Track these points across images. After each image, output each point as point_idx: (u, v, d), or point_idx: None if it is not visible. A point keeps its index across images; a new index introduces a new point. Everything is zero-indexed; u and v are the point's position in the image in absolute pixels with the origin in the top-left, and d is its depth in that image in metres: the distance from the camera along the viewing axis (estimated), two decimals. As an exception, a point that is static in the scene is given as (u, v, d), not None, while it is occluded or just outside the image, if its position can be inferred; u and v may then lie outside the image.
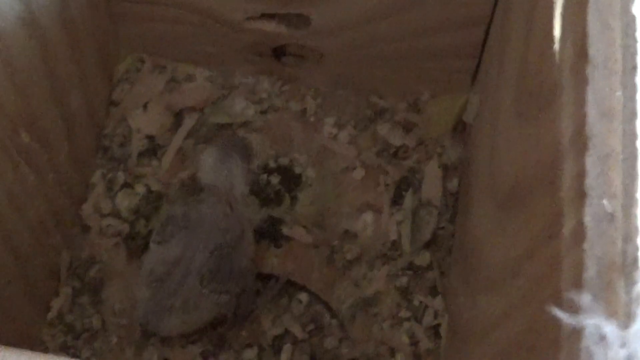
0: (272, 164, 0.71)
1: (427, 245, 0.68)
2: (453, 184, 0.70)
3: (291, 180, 0.70)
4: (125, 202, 0.69)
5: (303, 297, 0.67)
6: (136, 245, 0.68)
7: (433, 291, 0.67)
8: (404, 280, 0.67)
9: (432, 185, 0.69)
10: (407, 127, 0.72)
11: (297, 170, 0.71)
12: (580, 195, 0.27)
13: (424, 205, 0.69)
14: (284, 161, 0.71)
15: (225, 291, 0.61)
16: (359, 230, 0.69)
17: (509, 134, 0.46)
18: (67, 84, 0.63)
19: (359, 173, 0.71)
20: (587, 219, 0.27)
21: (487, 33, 0.63)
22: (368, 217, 0.69)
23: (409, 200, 0.69)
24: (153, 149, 0.71)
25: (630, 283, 0.25)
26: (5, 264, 0.57)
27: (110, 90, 0.73)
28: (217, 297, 0.61)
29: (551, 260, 0.30)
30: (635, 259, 0.26)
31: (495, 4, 0.60)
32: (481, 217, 0.53)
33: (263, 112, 0.73)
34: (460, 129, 0.71)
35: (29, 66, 0.56)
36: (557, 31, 0.34)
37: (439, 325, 0.65)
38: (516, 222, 0.40)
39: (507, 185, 0.44)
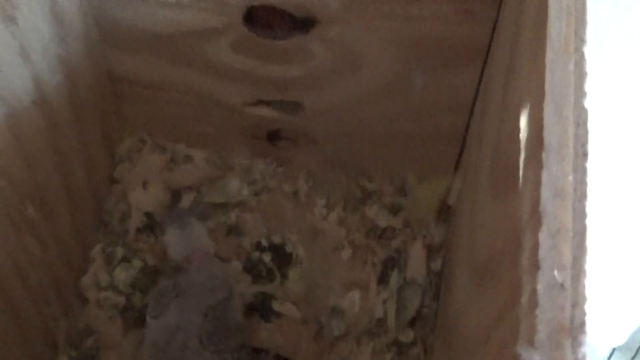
0: (264, 243, 0.72)
1: (412, 322, 0.68)
2: (437, 264, 0.70)
3: (282, 258, 0.71)
4: (122, 275, 0.70)
5: (291, 371, 0.67)
6: (132, 317, 0.69)
7: (417, 367, 0.67)
8: (388, 356, 0.67)
9: (416, 265, 0.70)
10: (394, 210, 0.73)
11: (289, 248, 0.72)
12: (535, 266, 0.30)
13: (409, 284, 0.70)
14: (276, 240, 0.72)
15: (225, 349, 0.62)
16: (347, 307, 0.69)
17: (484, 212, 0.48)
18: (72, 161, 0.64)
19: (347, 252, 0.72)
20: (540, 288, 0.29)
21: (469, 119, 0.65)
22: (355, 294, 0.70)
23: (394, 279, 0.70)
24: (151, 226, 0.73)
25: (577, 344, 0.28)
26: (7, 329, 0.58)
27: (112, 168, 0.74)
28: (219, 356, 0.62)
29: (513, 326, 0.33)
30: (582, 324, 0.28)
31: (477, 93, 0.62)
32: (461, 292, 0.54)
33: (257, 193, 0.74)
34: (444, 211, 0.72)
35: (38, 144, 0.58)
36: (522, 120, 0.37)
37: (422, 401, 0.66)
38: (488, 294, 0.41)
39: (482, 260, 0.46)
